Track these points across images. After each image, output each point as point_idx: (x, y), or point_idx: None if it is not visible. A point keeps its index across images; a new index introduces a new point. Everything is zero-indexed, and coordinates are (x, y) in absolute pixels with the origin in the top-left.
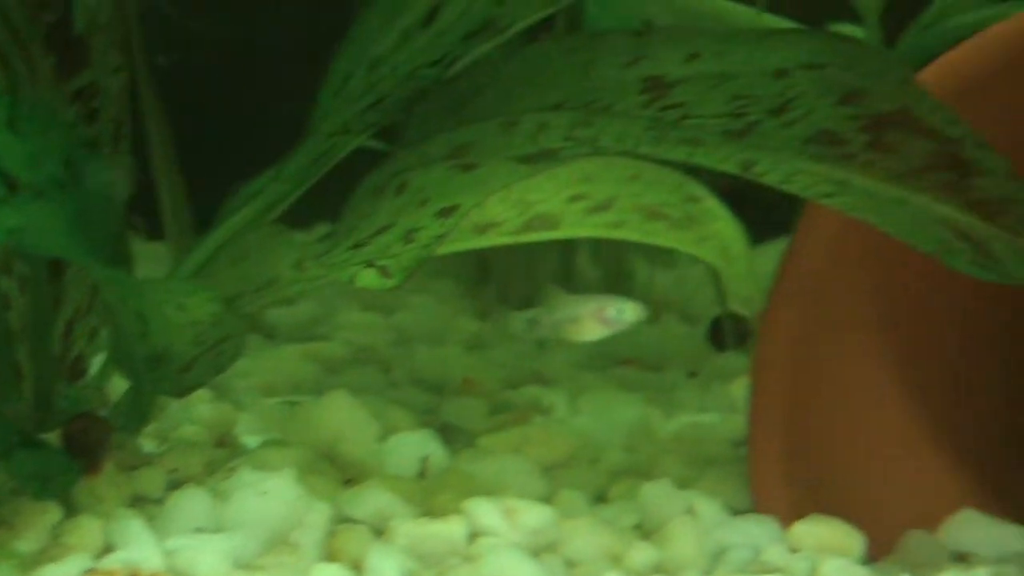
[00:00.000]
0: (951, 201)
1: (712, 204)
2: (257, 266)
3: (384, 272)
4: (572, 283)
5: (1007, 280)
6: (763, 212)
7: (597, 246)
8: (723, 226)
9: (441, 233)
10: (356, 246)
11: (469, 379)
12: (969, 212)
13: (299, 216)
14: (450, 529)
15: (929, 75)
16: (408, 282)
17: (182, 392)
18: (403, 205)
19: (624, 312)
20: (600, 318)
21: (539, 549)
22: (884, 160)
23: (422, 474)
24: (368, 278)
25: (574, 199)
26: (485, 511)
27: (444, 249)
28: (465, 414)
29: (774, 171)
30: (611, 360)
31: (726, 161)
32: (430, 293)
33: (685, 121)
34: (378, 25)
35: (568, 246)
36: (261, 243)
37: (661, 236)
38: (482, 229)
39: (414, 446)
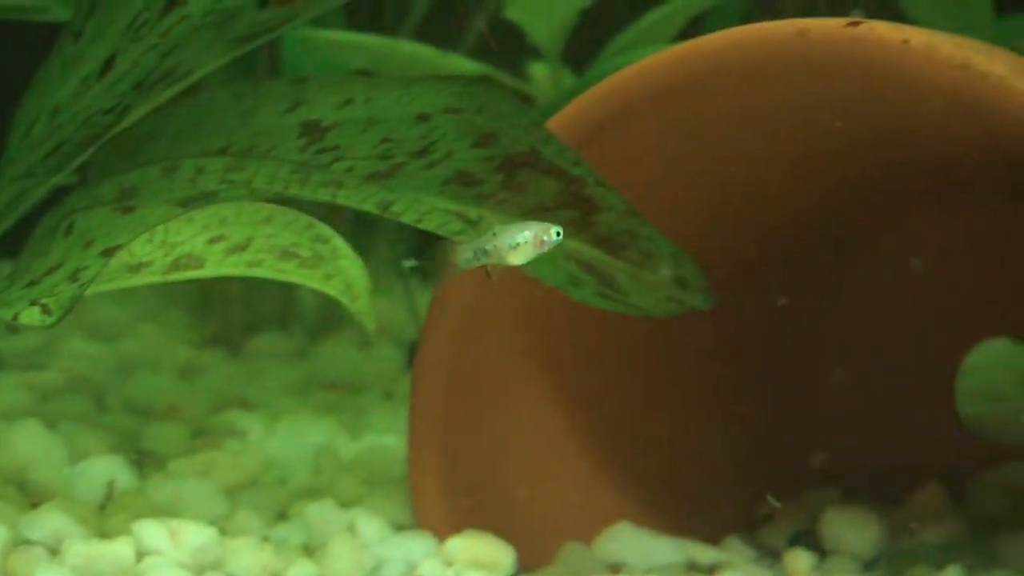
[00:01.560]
0: (577, 236)
1: (338, 244)
2: None
3: (46, 310)
4: (292, 312)
5: (630, 311)
6: None
7: None
8: (347, 264)
9: (96, 272)
10: (30, 284)
11: (172, 404)
12: (594, 247)
13: None
14: (118, 550)
15: (560, 119)
16: (138, 310)
17: None
18: (71, 245)
19: None
20: None
21: (204, 567)
22: (516, 198)
23: (108, 497)
24: (31, 316)
25: (214, 240)
26: (152, 532)
27: (102, 287)
28: (165, 439)
29: (410, 210)
30: (316, 384)
31: (366, 202)
32: (158, 322)
33: (336, 164)
34: (60, 73)
35: None
36: None
37: (293, 274)
38: (134, 268)
39: (102, 470)
